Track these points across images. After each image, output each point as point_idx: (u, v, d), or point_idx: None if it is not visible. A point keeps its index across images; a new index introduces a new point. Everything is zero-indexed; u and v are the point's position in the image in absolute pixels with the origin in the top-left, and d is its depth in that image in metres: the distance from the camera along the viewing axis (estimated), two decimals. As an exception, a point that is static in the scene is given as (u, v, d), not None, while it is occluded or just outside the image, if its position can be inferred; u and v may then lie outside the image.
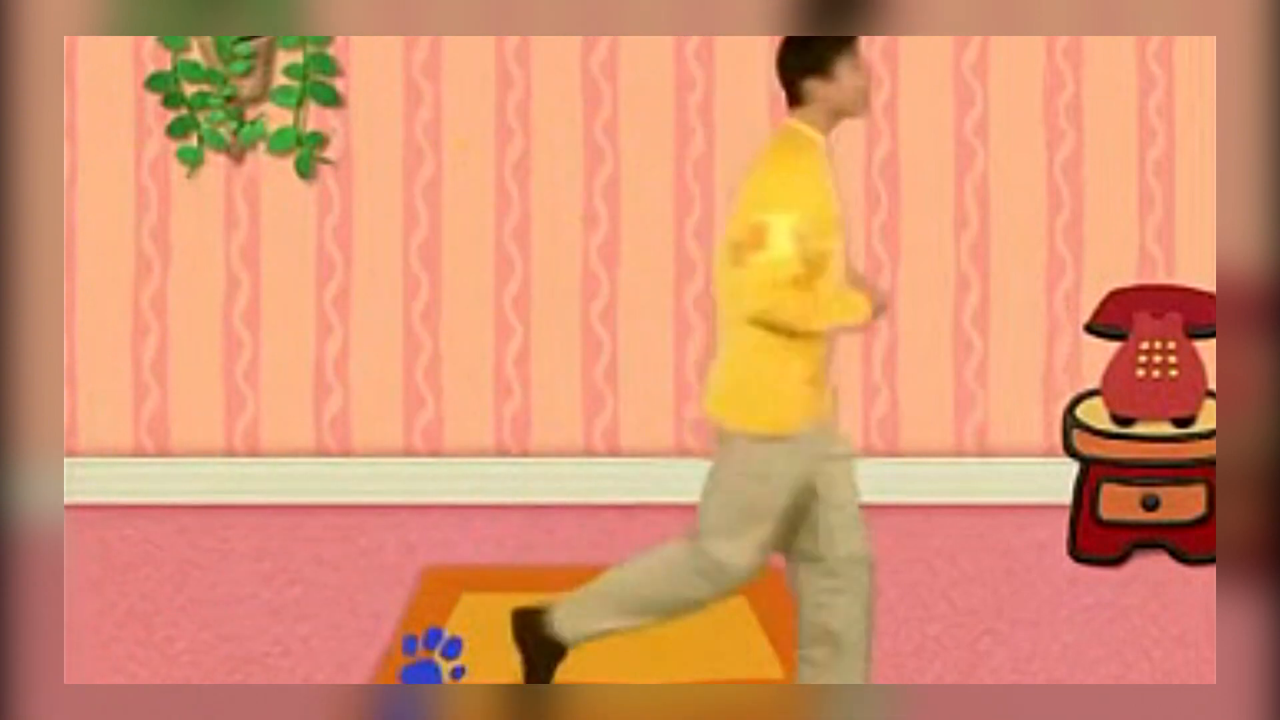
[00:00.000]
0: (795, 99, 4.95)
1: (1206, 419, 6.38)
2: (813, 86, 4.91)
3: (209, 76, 6.83)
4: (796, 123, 4.94)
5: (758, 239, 4.75)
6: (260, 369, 6.94)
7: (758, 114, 6.94)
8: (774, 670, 5.51)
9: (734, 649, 5.66)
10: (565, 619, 4.97)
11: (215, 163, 6.92)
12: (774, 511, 4.91)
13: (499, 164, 6.91)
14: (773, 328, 4.81)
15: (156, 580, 6.20)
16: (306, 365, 6.95)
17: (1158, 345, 6.35)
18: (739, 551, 4.91)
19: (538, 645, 4.98)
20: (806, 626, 5.02)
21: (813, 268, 4.79)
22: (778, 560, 6.38)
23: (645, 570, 4.96)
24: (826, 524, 5.00)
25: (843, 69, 4.92)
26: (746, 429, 4.88)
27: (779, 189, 4.80)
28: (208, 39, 6.80)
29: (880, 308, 4.98)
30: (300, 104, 6.87)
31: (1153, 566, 6.30)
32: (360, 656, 5.66)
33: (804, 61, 4.92)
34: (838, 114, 4.95)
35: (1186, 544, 6.31)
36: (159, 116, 6.89)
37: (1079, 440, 6.37)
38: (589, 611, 4.97)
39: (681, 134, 6.91)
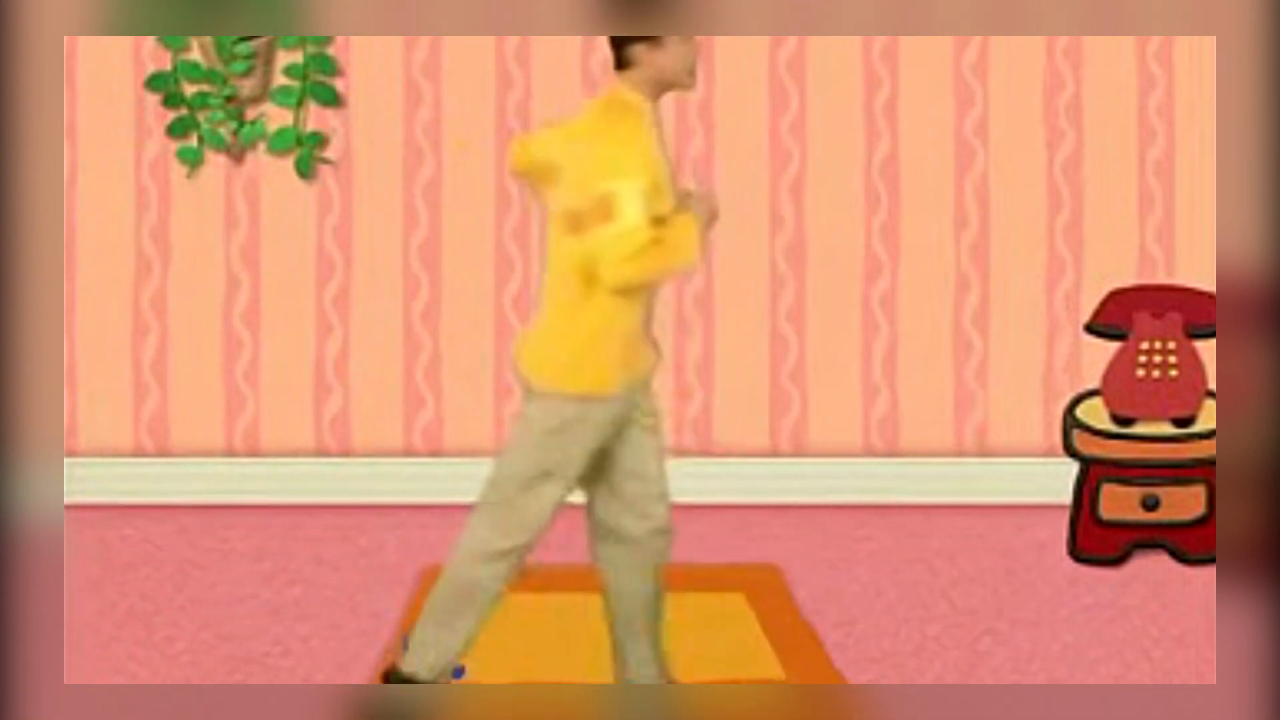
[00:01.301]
0: (622, 63, 4.87)
1: (1206, 419, 6.38)
2: (640, 52, 4.84)
3: (209, 76, 6.83)
4: (622, 88, 4.87)
5: (606, 209, 4.69)
6: (260, 369, 6.94)
7: (757, 112, 6.94)
8: (774, 670, 5.51)
9: (734, 649, 5.66)
10: (411, 660, 4.94)
11: (215, 163, 6.92)
12: (572, 470, 4.87)
13: (499, 164, 6.91)
14: (625, 293, 4.78)
15: (156, 580, 6.20)
16: (306, 365, 6.95)
17: (1158, 345, 6.35)
18: (527, 509, 4.87)
19: None
20: (611, 598, 5.03)
21: (656, 228, 4.74)
22: (780, 561, 6.38)
23: (443, 576, 4.94)
24: (629, 494, 4.98)
25: (672, 37, 4.84)
26: (559, 388, 4.83)
27: (619, 157, 4.74)
28: (208, 39, 6.80)
29: (711, 219, 4.93)
30: (300, 104, 6.87)
31: (1153, 566, 6.30)
32: (360, 656, 5.66)
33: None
34: (664, 84, 4.87)
35: (1186, 544, 6.31)
36: (159, 116, 6.89)
37: (1079, 440, 6.37)
38: (421, 641, 4.94)
39: (681, 133, 6.91)
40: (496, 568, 4.90)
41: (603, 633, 5.16)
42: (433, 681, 4.93)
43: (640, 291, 4.83)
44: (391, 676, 4.95)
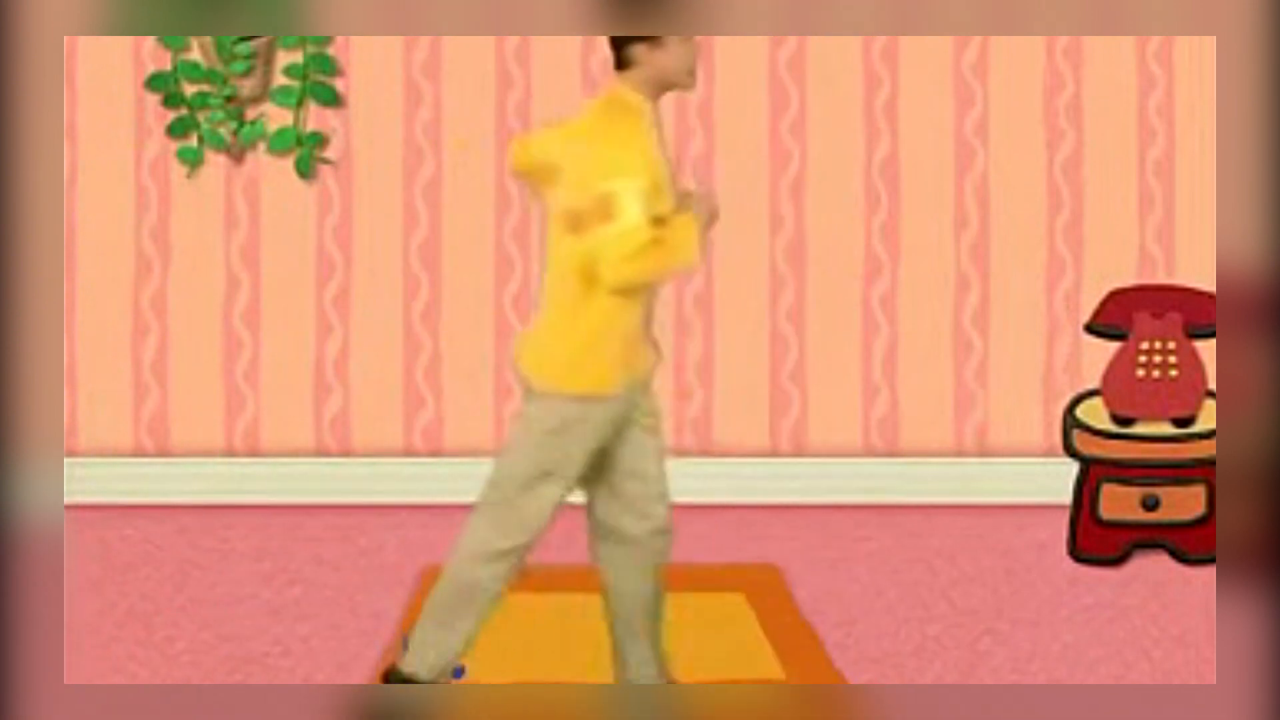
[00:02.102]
0: (622, 63, 4.87)
1: (1206, 419, 6.38)
2: (640, 52, 4.84)
3: (209, 76, 6.83)
4: (622, 88, 4.87)
5: (606, 209, 4.69)
6: (260, 369, 6.94)
7: (757, 112, 6.94)
8: (774, 670, 5.51)
9: (734, 649, 5.66)
10: (411, 660, 4.94)
11: (215, 163, 6.92)
12: (572, 470, 4.87)
13: (499, 164, 6.91)
14: (624, 292, 4.78)
15: (156, 580, 6.20)
16: (306, 365, 6.95)
17: (1158, 345, 6.35)
18: (527, 509, 4.87)
19: None
20: (611, 598, 5.03)
21: (655, 228, 4.74)
22: (780, 561, 6.38)
23: (444, 576, 4.94)
24: (629, 494, 4.98)
25: (672, 37, 4.85)
26: (559, 388, 4.83)
27: (619, 156, 4.75)
28: (208, 39, 6.80)
29: (711, 219, 4.92)
30: (300, 104, 6.87)
31: (1153, 566, 6.30)
32: (360, 656, 5.66)
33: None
34: (664, 84, 4.88)
35: (1186, 544, 6.31)
36: (159, 116, 6.89)
37: (1079, 440, 6.37)
38: (421, 642, 4.93)
39: (681, 133, 6.91)
40: (496, 568, 4.91)
41: (602, 633, 5.16)
42: (432, 682, 4.93)
43: (640, 291, 4.84)
44: (391, 676, 4.95)
